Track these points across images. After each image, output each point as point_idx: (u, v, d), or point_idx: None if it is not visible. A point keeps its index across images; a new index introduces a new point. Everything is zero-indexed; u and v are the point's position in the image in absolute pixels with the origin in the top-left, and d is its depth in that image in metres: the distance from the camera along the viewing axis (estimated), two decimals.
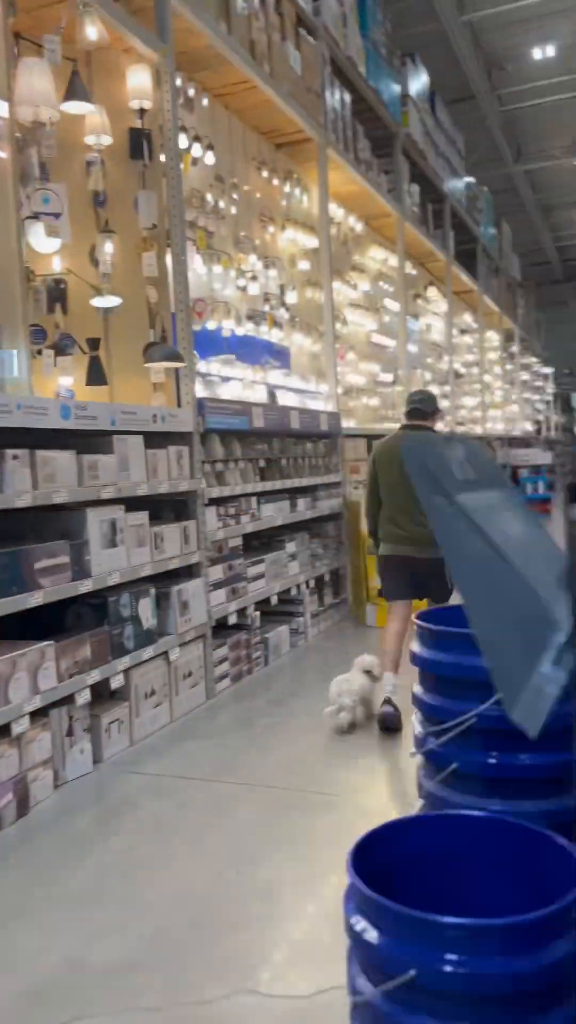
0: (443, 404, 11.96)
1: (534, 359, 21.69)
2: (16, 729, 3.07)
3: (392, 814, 2.80)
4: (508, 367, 17.75)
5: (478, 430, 13.77)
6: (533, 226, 20.84)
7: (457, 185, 11.72)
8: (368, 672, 3.95)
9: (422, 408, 4.25)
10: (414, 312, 10.69)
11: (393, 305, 9.50)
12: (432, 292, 11.16)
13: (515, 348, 18.02)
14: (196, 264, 5.11)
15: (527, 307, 20.52)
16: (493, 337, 16.06)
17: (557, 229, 21.73)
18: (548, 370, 24.11)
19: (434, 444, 1.65)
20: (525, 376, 20.18)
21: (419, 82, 9.79)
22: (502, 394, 16.47)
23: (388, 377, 9.32)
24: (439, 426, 4.68)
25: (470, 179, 12.92)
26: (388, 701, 3.79)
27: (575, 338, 27.34)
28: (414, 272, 10.59)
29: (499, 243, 15.66)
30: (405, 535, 4.03)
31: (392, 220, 8.86)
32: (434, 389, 11.05)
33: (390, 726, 3.74)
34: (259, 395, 5.86)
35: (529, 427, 20.85)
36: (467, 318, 13.93)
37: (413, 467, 1.50)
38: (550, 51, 12.05)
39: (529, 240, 21.82)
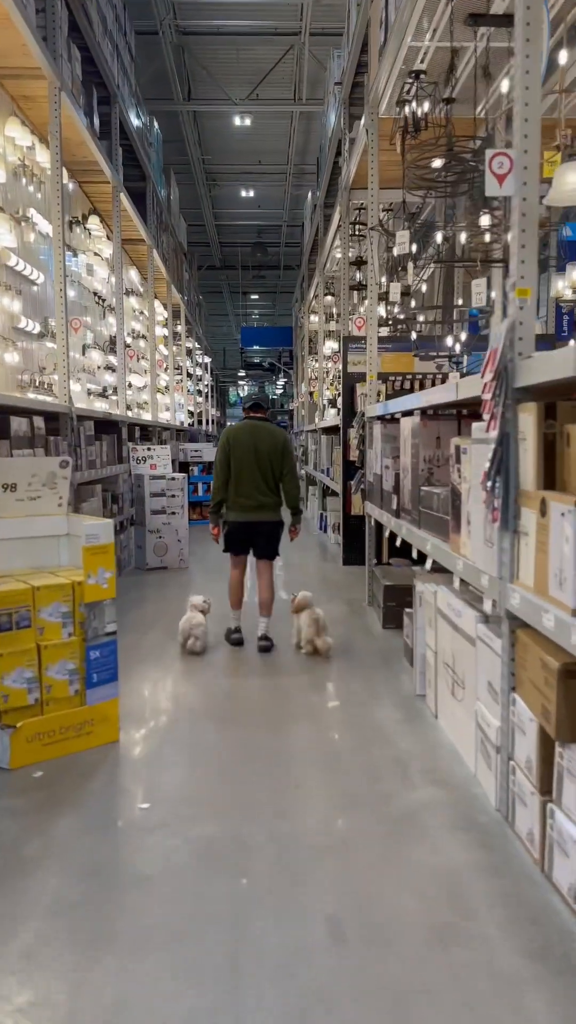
0: (108, 379, 9.07)
1: (197, 346, 19.71)
2: None
3: None
4: (174, 348, 15.39)
5: (146, 416, 11.11)
6: (197, 196, 18.79)
7: (127, 96, 8.91)
8: (201, 610, 5.15)
9: (261, 404, 5.24)
10: (71, 244, 7.65)
11: (43, 223, 6.41)
12: (94, 224, 8.21)
13: (180, 328, 15.71)
14: None
15: (191, 286, 18.40)
16: (160, 310, 13.52)
17: (219, 205, 19.97)
18: (207, 359, 22.41)
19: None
20: (188, 363, 18.03)
21: None
22: (167, 379, 14.03)
23: (33, 326, 6.21)
24: None
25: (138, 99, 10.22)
26: (237, 629, 5.22)
27: (231, 330, 26.30)
28: (69, 184, 7.54)
29: (168, 196, 13.16)
30: (253, 504, 5.09)
31: (43, 86, 5.78)
32: (95, 356, 8.09)
33: (238, 643, 5.12)
34: None
35: (187, 419, 18.82)
36: (134, 276, 11.16)
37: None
38: None
39: (192, 213, 19.76)
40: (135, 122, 9.58)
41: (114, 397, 8.78)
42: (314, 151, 15.67)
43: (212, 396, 27.23)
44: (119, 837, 2.77)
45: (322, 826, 2.83)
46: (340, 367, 9.22)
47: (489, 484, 2.77)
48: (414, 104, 5.39)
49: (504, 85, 4.30)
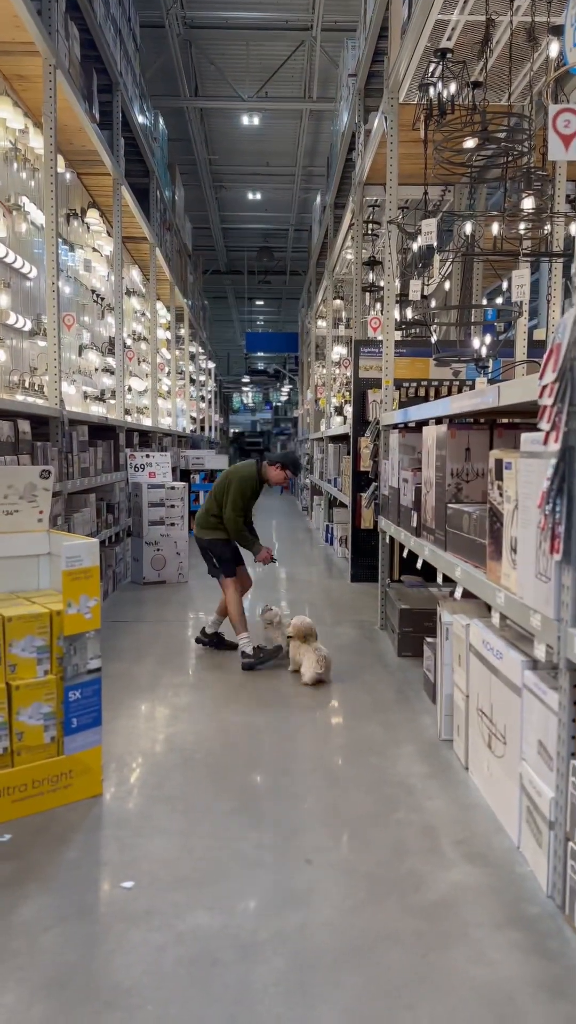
0: (107, 382, 8.62)
1: (201, 350, 19.27)
2: None
3: None
4: (176, 352, 14.94)
5: (146, 421, 10.65)
6: (203, 199, 18.38)
7: (130, 85, 8.48)
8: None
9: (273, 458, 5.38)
10: (68, 238, 7.21)
11: (36, 213, 5.96)
12: (93, 218, 7.76)
13: (184, 331, 15.27)
14: None
15: (196, 289, 17.98)
16: (163, 312, 13.08)
17: (226, 207, 19.56)
18: (211, 364, 21.98)
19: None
20: (191, 367, 17.58)
21: None
22: (169, 383, 13.57)
23: (24, 323, 5.75)
24: None
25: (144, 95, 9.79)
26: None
27: (236, 335, 25.88)
28: (67, 174, 7.10)
29: (173, 195, 12.73)
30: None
31: (37, 63, 5.34)
32: (93, 358, 7.65)
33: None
34: None
35: (190, 426, 18.36)
36: (135, 276, 10.72)
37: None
38: None
39: (198, 216, 19.35)
40: (140, 117, 9.15)
41: (112, 401, 8.32)
42: (323, 153, 15.26)
43: (216, 402, 26.80)
44: (95, 930, 2.28)
45: (340, 919, 2.34)
46: (349, 373, 8.76)
47: (548, 507, 2.29)
48: (439, 85, 4.93)
49: (554, 48, 3.84)
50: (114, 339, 8.18)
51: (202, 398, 20.88)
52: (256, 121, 14.57)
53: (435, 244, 4.49)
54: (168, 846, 2.73)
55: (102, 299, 8.36)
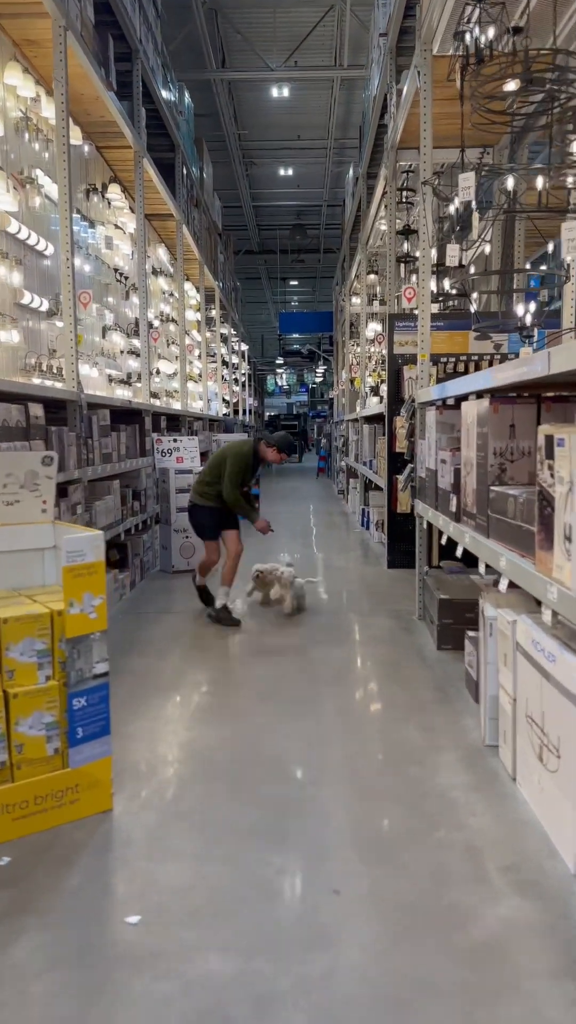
0: (133, 365, 8.36)
1: (233, 332, 18.96)
2: None
3: None
4: (208, 334, 14.65)
5: (176, 405, 10.41)
6: (233, 176, 17.99)
7: (152, 54, 8.14)
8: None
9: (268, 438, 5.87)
10: (88, 214, 6.94)
11: (52, 188, 5.69)
12: (115, 193, 7.48)
13: (215, 312, 14.96)
14: None
15: (227, 269, 17.64)
16: (192, 293, 12.78)
17: (257, 184, 19.14)
18: (244, 347, 21.65)
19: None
20: (223, 350, 17.29)
21: None
22: (201, 366, 13.28)
23: (40, 303, 5.50)
24: None
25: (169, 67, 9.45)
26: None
27: (270, 317, 25.49)
28: (84, 146, 6.82)
29: (201, 172, 12.39)
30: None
31: (46, 25, 5.05)
32: (117, 339, 7.38)
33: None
34: None
35: (224, 408, 18.11)
36: (162, 255, 10.43)
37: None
38: None
39: (229, 194, 18.98)
40: (164, 92, 8.82)
41: (139, 384, 8.07)
42: (356, 124, 14.77)
43: (250, 385, 26.49)
44: (94, 977, 2.02)
45: (371, 965, 2.05)
46: (384, 350, 8.38)
47: None
48: (476, 31, 4.52)
49: None
50: (137, 320, 7.91)
51: (235, 381, 20.59)
52: (286, 92, 14.14)
53: (474, 200, 4.10)
54: (180, 872, 2.47)
55: (126, 278, 8.09)
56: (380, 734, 3.55)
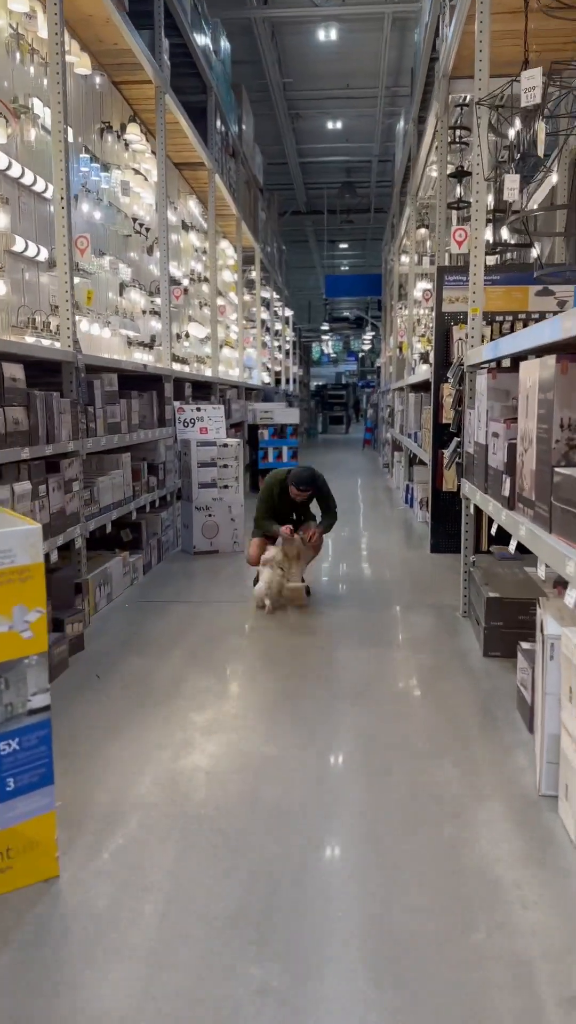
0: (156, 327, 7.70)
1: (276, 296, 18.15)
2: None
3: None
4: (246, 298, 13.90)
5: (207, 372, 9.74)
6: (278, 131, 17.06)
7: None
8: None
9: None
10: (103, 156, 6.25)
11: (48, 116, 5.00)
12: (134, 134, 6.76)
13: (255, 274, 14.18)
14: None
15: (269, 231, 16.80)
16: (229, 252, 12.03)
17: (303, 140, 18.15)
18: (289, 312, 20.80)
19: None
20: (265, 315, 16.52)
21: None
22: (238, 331, 12.56)
23: (39, 251, 4.86)
24: None
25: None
26: None
27: (319, 283, 24.56)
28: (96, 77, 6.10)
29: (239, 121, 11.56)
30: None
31: None
32: (136, 298, 6.72)
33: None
34: None
35: (266, 377, 17.39)
36: (193, 208, 9.70)
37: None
38: None
39: (274, 150, 18.06)
40: (193, 28, 8.02)
41: (161, 347, 7.41)
42: (408, 70, 13.70)
43: (295, 353, 25.64)
44: None
45: None
46: (432, 308, 7.56)
47: None
48: None
49: None
50: (159, 277, 7.22)
51: (278, 348, 19.82)
52: (333, 35, 13.17)
53: (541, 103, 3.30)
54: (124, 987, 1.84)
55: (147, 230, 7.40)
56: (408, 773, 2.87)
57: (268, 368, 17.33)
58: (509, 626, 4.07)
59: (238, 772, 2.86)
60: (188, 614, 4.94)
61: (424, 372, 8.07)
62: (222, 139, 9.80)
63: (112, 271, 6.30)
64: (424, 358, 10.69)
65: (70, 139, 5.58)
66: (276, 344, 19.39)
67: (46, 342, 4.77)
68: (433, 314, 6.98)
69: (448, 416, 6.31)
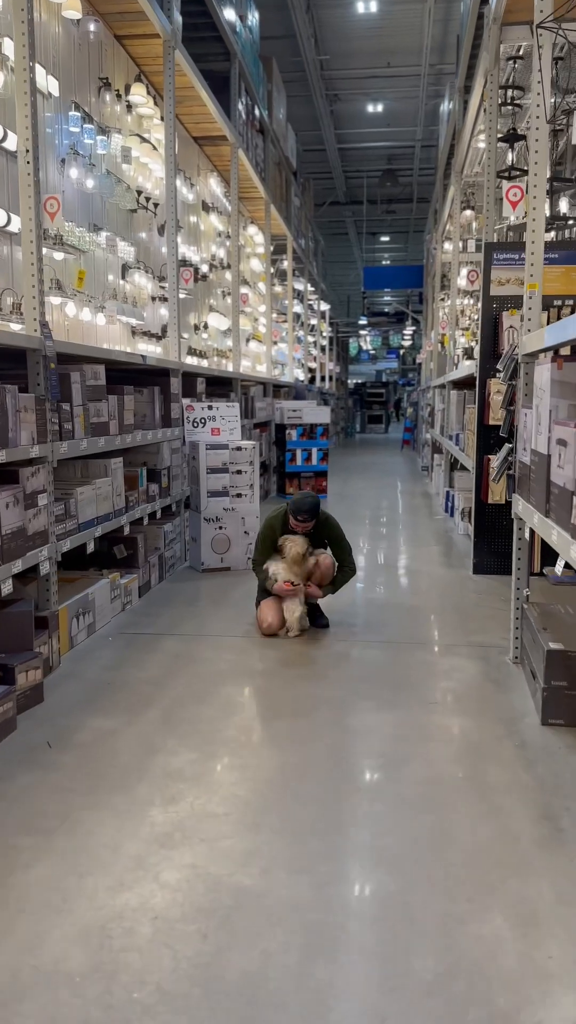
0: (163, 314, 6.91)
1: (311, 289, 17.28)
2: None
3: None
4: (277, 289, 13.08)
5: (228, 366, 8.94)
6: (316, 115, 16.20)
7: None
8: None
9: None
10: (100, 119, 5.47)
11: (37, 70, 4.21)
12: (139, 94, 5.97)
13: (287, 264, 13.34)
14: None
15: (304, 219, 15.94)
16: (258, 239, 11.22)
17: (342, 124, 17.26)
18: (325, 306, 19.91)
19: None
20: (298, 308, 15.67)
21: None
22: (267, 324, 11.74)
23: (8, 220, 4.09)
24: None
25: None
26: None
27: (359, 278, 23.64)
28: (90, 24, 5.31)
29: (268, 95, 10.73)
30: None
31: None
32: (144, 283, 5.95)
33: None
34: None
35: (300, 374, 16.54)
36: (214, 187, 8.89)
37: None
38: None
39: (311, 136, 17.21)
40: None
41: (184, 337, 6.62)
42: (453, 46, 12.73)
43: (333, 350, 24.72)
44: None
45: None
46: (479, 297, 6.64)
47: None
48: None
49: None
50: (169, 258, 6.42)
51: (313, 344, 18.95)
52: (373, 7, 12.33)
53: None
54: None
55: (157, 206, 6.61)
56: (442, 931, 2.01)
57: (302, 364, 16.48)
58: (574, 686, 3.18)
59: (199, 920, 2.03)
60: (179, 652, 4.13)
61: (468, 367, 7.16)
62: (248, 112, 8.99)
63: (110, 249, 5.52)
64: (468, 353, 9.76)
65: (55, 92, 4.82)
66: (311, 340, 18.53)
67: (16, 327, 4.00)
68: (479, 304, 6.08)
69: (496, 416, 5.41)
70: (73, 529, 4.13)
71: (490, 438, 5.61)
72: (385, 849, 2.36)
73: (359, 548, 6.90)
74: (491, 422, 5.54)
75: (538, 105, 3.66)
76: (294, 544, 4.30)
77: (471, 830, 2.45)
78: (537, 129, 3.68)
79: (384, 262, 29.80)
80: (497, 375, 5.00)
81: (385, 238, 26.48)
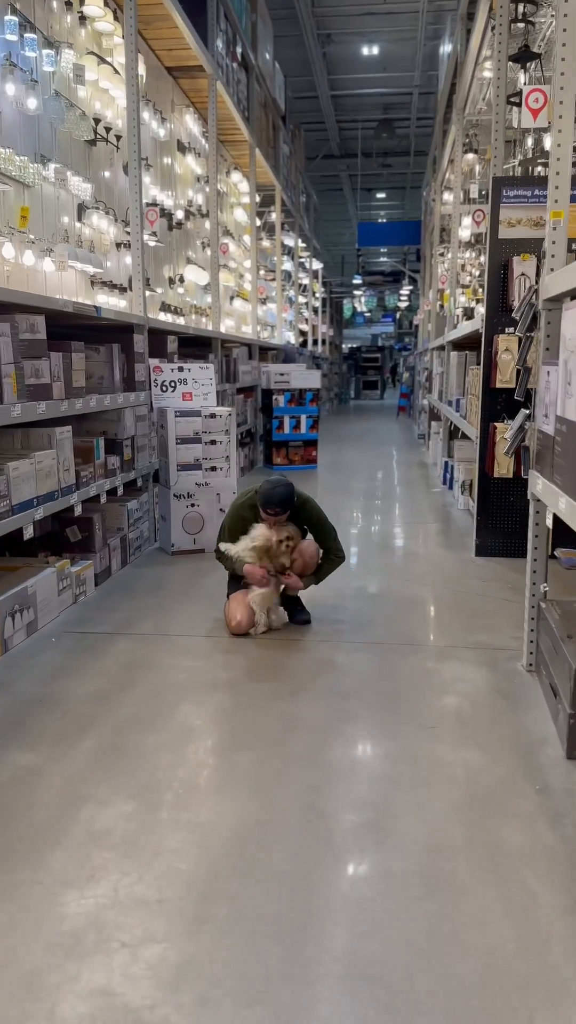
0: (129, 263, 6.15)
1: (302, 245, 16.40)
2: None
3: None
4: (265, 244, 12.26)
5: (208, 325, 8.21)
6: (307, 58, 15.19)
7: None
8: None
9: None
10: (48, 31, 4.69)
11: None
12: (95, 6, 5.17)
13: (275, 216, 12.50)
14: None
15: (294, 169, 15.02)
16: (242, 187, 10.39)
17: (335, 69, 16.23)
18: (318, 265, 19.01)
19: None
20: (288, 265, 14.83)
21: None
22: (253, 281, 10.95)
23: None
24: None
25: None
26: None
27: (355, 236, 22.67)
28: None
29: (253, 28, 9.84)
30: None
31: None
32: (105, 226, 5.22)
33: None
34: None
35: (291, 337, 15.76)
36: (191, 124, 8.07)
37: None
38: None
39: (302, 82, 16.20)
40: None
41: (158, 292, 5.89)
42: None
43: (326, 311, 23.80)
44: None
45: None
46: (483, 247, 5.89)
47: None
48: None
49: None
50: (134, 202, 5.67)
51: (305, 305, 18.11)
52: None
53: None
54: None
55: (118, 137, 5.83)
56: None
57: (293, 326, 15.68)
58: None
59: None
60: (132, 658, 3.50)
61: (470, 325, 6.45)
62: (228, 44, 8.13)
63: (59, 184, 4.78)
64: (468, 314, 9.04)
65: None
66: (303, 300, 17.68)
67: None
68: (481, 258, 5.37)
69: (505, 379, 4.74)
70: (5, 511, 3.47)
71: (497, 403, 4.95)
72: (369, 961, 1.74)
73: (349, 524, 6.26)
74: (498, 385, 4.87)
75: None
76: (263, 533, 3.65)
77: (482, 927, 1.84)
78: (565, 16, 2.95)
79: (380, 220, 28.72)
80: (515, 329, 4.32)
81: (381, 194, 25.44)
